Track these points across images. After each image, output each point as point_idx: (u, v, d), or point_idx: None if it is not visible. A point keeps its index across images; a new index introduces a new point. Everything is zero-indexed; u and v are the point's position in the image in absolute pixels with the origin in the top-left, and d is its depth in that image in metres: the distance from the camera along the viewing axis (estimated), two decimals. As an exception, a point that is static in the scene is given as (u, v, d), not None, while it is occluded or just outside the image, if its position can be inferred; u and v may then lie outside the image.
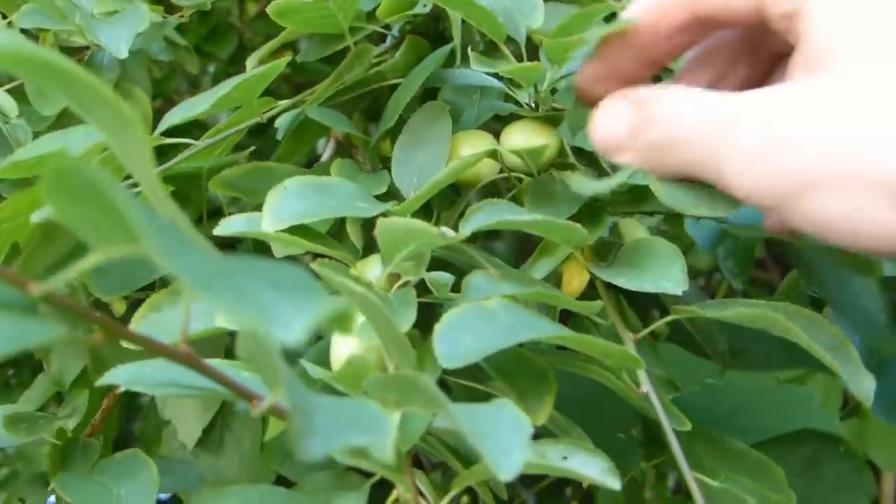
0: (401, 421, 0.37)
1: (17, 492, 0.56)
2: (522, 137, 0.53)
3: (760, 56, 0.45)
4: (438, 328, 0.39)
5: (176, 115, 0.54)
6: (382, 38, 0.68)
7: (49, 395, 0.61)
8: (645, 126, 0.41)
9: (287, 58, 0.53)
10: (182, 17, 0.71)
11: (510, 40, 0.58)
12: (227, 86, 0.52)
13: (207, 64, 1.29)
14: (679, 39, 0.43)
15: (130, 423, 0.93)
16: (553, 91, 0.57)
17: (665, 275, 0.45)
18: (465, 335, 0.39)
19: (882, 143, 0.33)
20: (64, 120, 0.66)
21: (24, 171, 0.53)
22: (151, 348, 0.31)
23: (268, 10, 0.56)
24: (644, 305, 0.72)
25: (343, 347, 0.45)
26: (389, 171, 0.55)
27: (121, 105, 0.27)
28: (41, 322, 0.26)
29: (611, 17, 0.56)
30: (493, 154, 0.53)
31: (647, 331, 0.48)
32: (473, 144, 0.54)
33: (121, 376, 0.39)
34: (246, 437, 0.63)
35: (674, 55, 0.44)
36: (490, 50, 0.63)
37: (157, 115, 1.31)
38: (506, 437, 0.31)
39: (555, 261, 0.49)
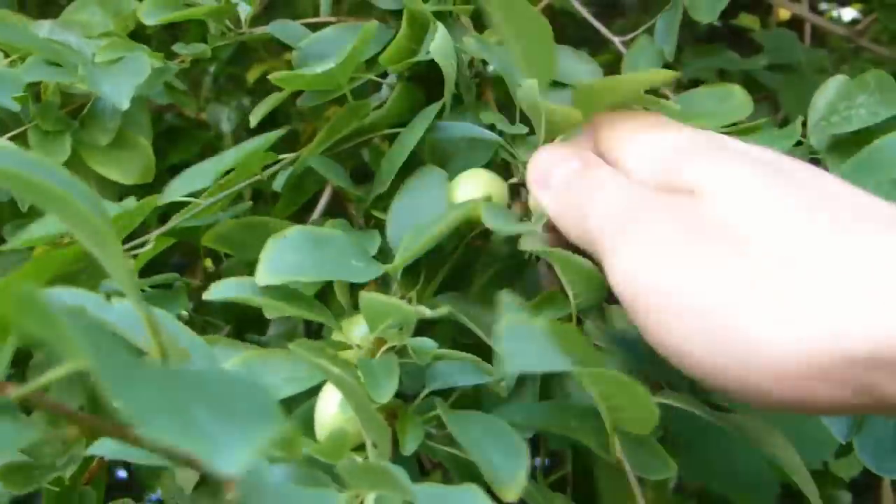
0: (376, 500, 0.39)
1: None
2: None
3: None
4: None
5: (180, 187, 0.56)
6: (376, 85, 0.69)
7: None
8: (578, 182, 0.42)
9: (285, 129, 0.55)
10: (183, 62, 0.73)
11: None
12: (227, 159, 0.54)
13: (208, 64, 1.31)
14: None
15: (129, 466, 0.95)
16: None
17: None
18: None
19: None
20: (67, 167, 0.67)
21: (41, 243, 0.55)
22: (126, 438, 0.32)
23: (270, 77, 0.58)
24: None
25: (327, 413, 0.47)
26: (379, 227, 0.56)
27: (97, 223, 0.28)
28: (18, 425, 0.27)
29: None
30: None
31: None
32: (472, 185, 0.55)
33: (107, 449, 0.41)
34: (244, 480, 0.64)
35: None
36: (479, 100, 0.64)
37: (157, 115, 1.33)
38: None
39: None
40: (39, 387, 0.28)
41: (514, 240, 0.53)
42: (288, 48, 0.71)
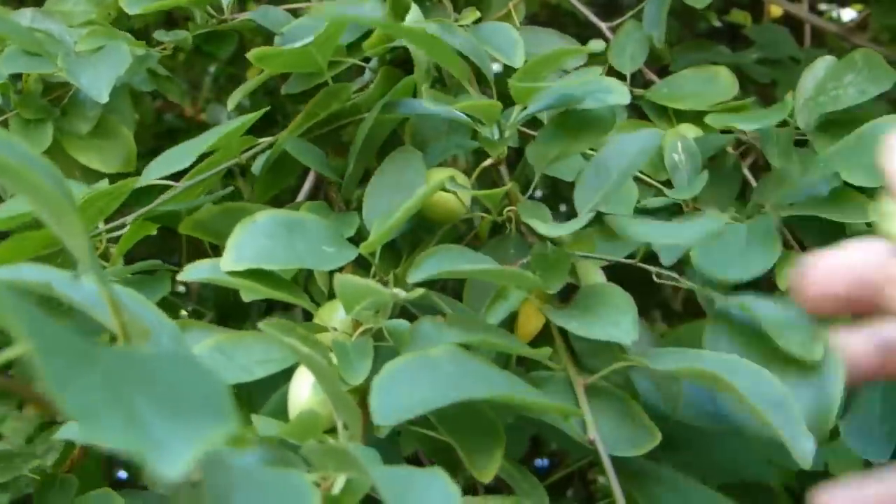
0: (345, 481, 0.38)
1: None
2: None
3: None
4: (376, 380, 0.39)
5: (159, 168, 0.56)
6: (361, 70, 0.69)
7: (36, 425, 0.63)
8: None
9: (264, 110, 0.54)
10: (164, 49, 0.73)
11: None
12: (205, 141, 0.54)
13: (208, 64, 1.31)
14: None
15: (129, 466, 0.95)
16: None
17: (616, 323, 0.46)
18: (403, 388, 0.39)
19: None
20: (49, 155, 0.68)
21: (12, 224, 0.55)
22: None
23: (248, 56, 0.57)
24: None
25: (299, 395, 0.47)
26: (359, 209, 0.56)
27: (53, 194, 0.28)
28: None
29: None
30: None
31: (596, 377, 0.48)
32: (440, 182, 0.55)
33: (73, 432, 0.41)
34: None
35: None
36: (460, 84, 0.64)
37: (158, 115, 1.33)
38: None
39: (511, 304, 0.50)
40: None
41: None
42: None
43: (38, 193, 0.28)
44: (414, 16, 0.57)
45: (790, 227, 0.66)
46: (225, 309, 0.71)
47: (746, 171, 0.73)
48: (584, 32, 0.82)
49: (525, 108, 0.56)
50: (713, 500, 0.48)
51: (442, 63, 0.56)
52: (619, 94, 0.57)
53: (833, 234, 0.65)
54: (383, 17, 0.61)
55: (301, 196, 0.69)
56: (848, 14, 1.55)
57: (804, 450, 0.42)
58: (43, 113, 0.68)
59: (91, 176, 0.71)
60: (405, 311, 0.53)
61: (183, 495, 0.32)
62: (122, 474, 1.11)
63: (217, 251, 0.56)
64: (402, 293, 0.44)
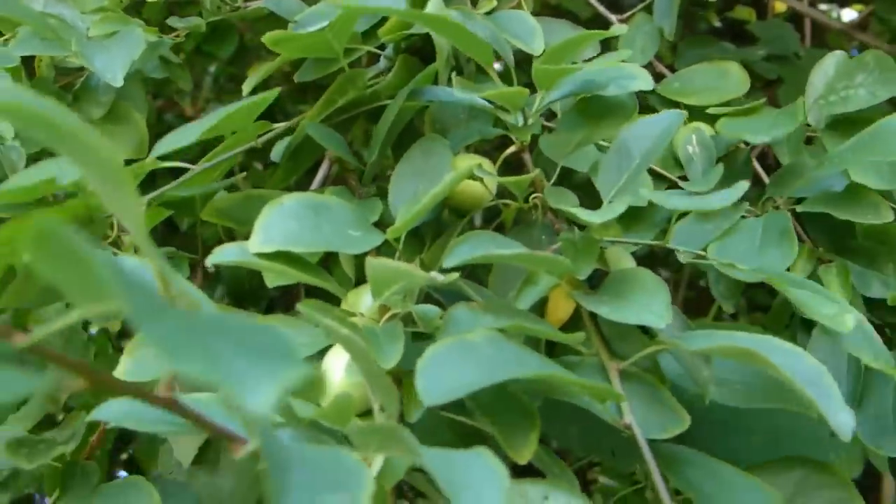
0: (384, 463, 0.38)
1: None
2: None
3: None
4: (420, 363, 0.39)
5: (167, 144, 0.55)
6: (376, 57, 0.69)
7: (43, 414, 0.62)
8: None
9: (278, 89, 0.54)
10: (178, 36, 0.72)
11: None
12: (217, 116, 0.53)
13: (208, 64, 1.30)
14: None
15: (126, 442, 0.94)
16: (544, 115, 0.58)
17: (648, 307, 0.46)
18: (447, 371, 0.39)
19: None
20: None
21: (19, 197, 0.54)
22: (133, 394, 0.32)
23: (263, 39, 0.57)
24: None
25: (332, 378, 0.46)
26: (381, 195, 0.55)
27: (112, 160, 0.28)
28: (23, 374, 0.27)
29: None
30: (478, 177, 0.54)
31: (629, 361, 0.48)
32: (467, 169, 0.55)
33: (111, 413, 0.40)
34: (242, 454, 0.64)
35: None
36: (481, 71, 0.63)
37: (158, 114, 1.32)
38: (481, 490, 0.31)
39: (541, 290, 0.50)
40: (47, 335, 0.27)
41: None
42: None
43: (99, 163, 0.27)
44: (436, 4, 0.57)
45: (800, 221, 0.67)
46: (240, 294, 0.70)
47: (758, 166, 0.73)
48: (589, 27, 0.82)
49: (546, 94, 0.56)
50: (746, 482, 0.48)
51: (466, 51, 0.56)
52: (643, 80, 0.57)
53: (843, 229, 0.66)
54: (406, 5, 0.61)
55: (315, 184, 0.69)
56: (847, 15, 1.56)
57: (843, 423, 0.42)
58: (55, 98, 0.67)
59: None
60: (428, 297, 0.53)
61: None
62: (122, 473, 1.10)
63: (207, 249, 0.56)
64: (438, 276, 0.43)
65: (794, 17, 1.16)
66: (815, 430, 0.78)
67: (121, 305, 0.23)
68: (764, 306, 1.12)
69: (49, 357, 0.29)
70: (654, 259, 1.12)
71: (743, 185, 0.53)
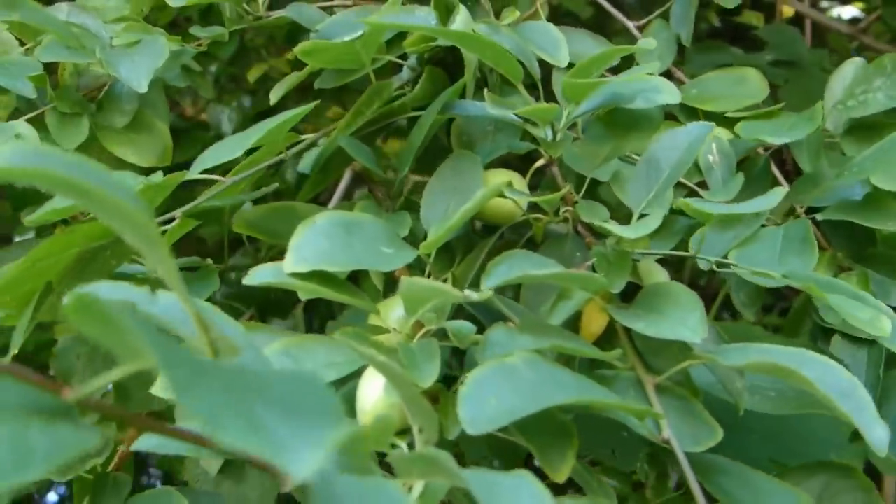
0: (424, 488, 0.38)
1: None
2: None
3: None
4: (462, 390, 0.39)
5: (210, 158, 0.55)
6: (398, 67, 0.69)
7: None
8: None
9: (311, 105, 0.54)
10: (200, 45, 0.72)
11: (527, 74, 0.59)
12: (259, 129, 0.54)
13: (209, 64, 1.30)
14: None
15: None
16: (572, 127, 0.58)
17: (684, 322, 0.46)
18: (489, 397, 0.39)
19: None
20: (83, 150, 0.67)
21: (53, 217, 0.54)
22: (180, 437, 0.32)
23: (294, 51, 0.57)
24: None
25: (369, 399, 0.46)
26: (408, 209, 0.56)
27: (144, 221, 0.28)
28: (76, 430, 0.26)
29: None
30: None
31: (665, 376, 0.48)
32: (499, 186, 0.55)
33: (150, 444, 0.41)
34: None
35: None
36: (506, 82, 0.63)
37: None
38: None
39: (574, 305, 0.50)
40: (96, 390, 0.27)
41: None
42: (289, 48, 0.70)
43: (132, 225, 0.28)
44: (463, 18, 0.57)
45: (820, 228, 0.67)
46: (265, 305, 0.71)
47: (777, 172, 0.74)
48: (589, 27, 0.82)
49: (573, 108, 0.56)
50: (780, 489, 0.48)
51: (495, 65, 0.56)
52: (669, 93, 0.57)
53: (864, 237, 0.66)
54: (435, 22, 0.61)
55: (337, 195, 0.69)
56: (848, 13, 1.56)
57: (879, 437, 0.42)
58: (79, 107, 0.67)
59: (123, 168, 0.70)
60: (460, 309, 0.53)
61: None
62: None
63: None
64: (472, 294, 0.43)
65: (795, 18, 1.16)
66: (816, 430, 0.79)
67: (165, 377, 0.23)
68: (764, 306, 1.12)
69: (100, 409, 0.29)
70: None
71: (780, 191, 0.53)
